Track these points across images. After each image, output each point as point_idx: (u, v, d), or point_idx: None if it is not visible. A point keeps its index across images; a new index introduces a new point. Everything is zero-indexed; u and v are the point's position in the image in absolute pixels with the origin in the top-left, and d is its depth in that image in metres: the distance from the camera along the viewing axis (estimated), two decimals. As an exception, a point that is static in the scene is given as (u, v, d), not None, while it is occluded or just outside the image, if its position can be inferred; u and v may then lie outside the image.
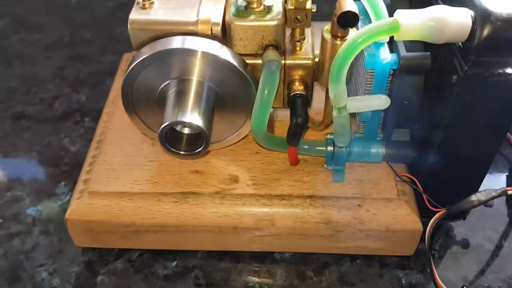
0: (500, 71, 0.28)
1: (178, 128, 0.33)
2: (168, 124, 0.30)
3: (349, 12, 0.29)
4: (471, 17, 0.28)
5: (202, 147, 0.32)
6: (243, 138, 0.37)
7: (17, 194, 0.41)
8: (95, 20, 0.60)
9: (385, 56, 0.31)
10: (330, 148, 0.35)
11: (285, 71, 0.34)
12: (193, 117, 0.31)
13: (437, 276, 0.32)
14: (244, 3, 0.32)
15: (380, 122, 0.35)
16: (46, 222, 0.39)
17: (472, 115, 0.29)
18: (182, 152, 0.32)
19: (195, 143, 0.33)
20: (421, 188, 0.33)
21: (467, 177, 0.32)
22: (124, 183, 0.35)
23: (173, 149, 0.32)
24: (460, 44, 0.29)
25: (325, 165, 0.35)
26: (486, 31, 0.27)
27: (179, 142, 0.33)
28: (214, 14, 0.32)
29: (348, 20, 0.29)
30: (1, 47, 0.56)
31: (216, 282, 0.35)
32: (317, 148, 0.35)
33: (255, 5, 0.32)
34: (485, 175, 0.33)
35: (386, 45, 0.32)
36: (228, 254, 0.37)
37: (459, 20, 0.28)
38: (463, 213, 0.37)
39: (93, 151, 0.38)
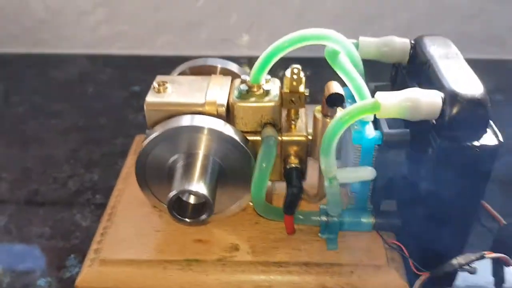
0: (469, 143, 0.32)
1: (184, 198, 0.36)
2: (176, 193, 0.34)
3: (335, 93, 0.33)
4: (441, 98, 0.32)
5: (206, 214, 0.35)
6: (243, 209, 0.40)
7: (29, 266, 0.43)
8: (109, 107, 0.65)
9: (370, 132, 0.35)
10: (324, 218, 0.38)
11: (282, 147, 0.38)
12: (199, 186, 0.34)
13: None
14: (246, 88, 0.37)
15: (369, 194, 0.38)
16: (55, 292, 0.41)
17: (448, 183, 0.33)
18: (188, 220, 0.35)
19: (199, 212, 0.36)
20: (407, 254, 0.36)
21: (450, 242, 0.35)
22: (132, 252, 0.38)
23: (179, 217, 0.35)
24: (434, 121, 0.33)
25: (319, 234, 0.38)
26: (454, 110, 0.32)
27: (185, 211, 0.36)
28: (220, 97, 0.36)
29: (335, 100, 0.33)
30: (19, 131, 0.61)
31: None
32: (312, 218, 0.38)
33: (255, 89, 0.36)
34: (467, 240, 0.35)
35: (371, 124, 0.36)
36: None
37: (431, 100, 0.32)
38: (448, 280, 0.39)
39: (104, 223, 0.41)
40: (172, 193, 0.34)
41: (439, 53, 0.36)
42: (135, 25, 0.76)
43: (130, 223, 0.40)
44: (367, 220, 0.38)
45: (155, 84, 0.37)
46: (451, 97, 0.32)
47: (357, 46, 0.39)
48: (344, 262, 0.37)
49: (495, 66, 0.74)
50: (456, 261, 0.34)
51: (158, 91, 0.37)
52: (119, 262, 0.37)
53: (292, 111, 0.37)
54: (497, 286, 0.41)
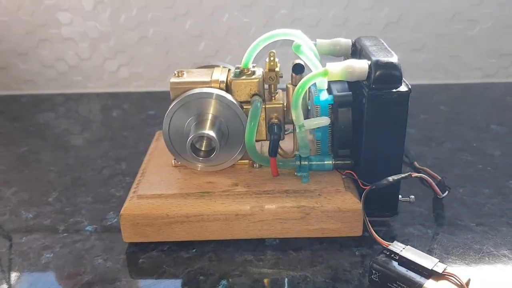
0: (388, 91, 0.47)
1: (197, 145, 0.51)
2: (194, 135, 0.49)
3: (297, 63, 0.50)
4: (368, 64, 0.49)
5: (214, 154, 0.50)
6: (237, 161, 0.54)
7: (77, 219, 0.57)
8: (130, 125, 0.81)
9: (324, 96, 0.51)
10: (297, 162, 0.52)
11: (266, 113, 0.53)
12: (209, 132, 0.49)
13: (372, 230, 0.47)
14: (239, 70, 0.53)
15: (329, 145, 0.53)
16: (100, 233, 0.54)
17: (378, 123, 0.48)
18: (200, 158, 0.50)
19: (208, 155, 0.50)
20: (355, 176, 0.50)
21: (387, 169, 0.49)
22: (161, 190, 0.52)
23: (194, 155, 0.50)
24: (365, 81, 0.49)
25: (295, 173, 0.53)
26: (376, 71, 0.48)
27: (198, 153, 0.51)
28: (221, 77, 0.52)
29: (297, 68, 0.50)
30: (63, 142, 0.77)
31: (224, 259, 0.50)
32: (290, 163, 0.53)
33: (245, 71, 0.53)
34: (400, 166, 0.50)
35: (325, 90, 0.52)
36: (232, 243, 0.51)
37: (361, 66, 0.48)
38: (394, 208, 0.53)
39: (138, 177, 0.55)
40: (191, 136, 0.49)
41: (369, 44, 0.53)
42: (149, 67, 0.94)
43: (157, 176, 0.55)
44: (329, 162, 0.53)
45: (175, 72, 0.54)
46: (374, 63, 0.48)
47: (315, 45, 0.56)
48: (314, 189, 0.51)
49: (442, 88, 0.91)
50: (391, 178, 0.49)
51: (178, 76, 0.53)
52: (151, 196, 0.51)
53: (272, 87, 0.53)
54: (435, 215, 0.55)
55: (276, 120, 0.53)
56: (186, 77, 0.53)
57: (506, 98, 0.86)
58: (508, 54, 0.90)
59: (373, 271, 0.44)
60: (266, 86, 0.54)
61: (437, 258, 0.44)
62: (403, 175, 0.49)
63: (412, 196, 0.53)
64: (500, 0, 0.87)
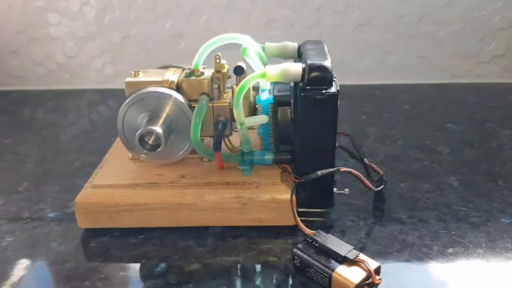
0: (319, 92, 0.51)
1: (146, 139, 0.55)
2: (142, 131, 0.53)
3: (237, 66, 0.54)
4: (302, 67, 0.52)
5: (159, 149, 0.54)
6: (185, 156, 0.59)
7: (42, 207, 0.62)
8: (114, 120, 0.86)
9: (265, 96, 0.55)
10: (240, 157, 0.57)
11: (214, 111, 0.57)
12: (157, 128, 0.54)
13: (298, 219, 0.51)
14: (190, 71, 0.57)
15: (272, 141, 0.57)
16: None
17: (311, 121, 0.52)
18: (145, 151, 0.54)
19: (155, 149, 0.55)
20: (289, 170, 0.54)
21: (322, 163, 0.53)
22: (114, 181, 0.57)
23: (143, 148, 0.54)
24: (301, 83, 0.53)
25: (238, 166, 0.57)
26: (308, 73, 0.52)
27: (145, 147, 0.55)
28: (172, 77, 0.57)
29: (237, 69, 0.54)
30: (45, 134, 0.82)
31: (167, 244, 0.54)
32: (233, 157, 0.57)
33: (195, 72, 0.57)
34: (332, 160, 0.54)
35: (267, 91, 0.56)
36: (178, 230, 0.56)
37: (296, 68, 0.52)
38: (330, 200, 0.56)
39: (97, 169, 0.60)
40: (139, 131, 0.53)
41: (310, 47, 0.57)
42: (132, 64, 0.99)
43: (114, 168, 0.60)
44: (269, 157, 0.57)
45: (132, 72, 0.58)
46: (308, 66, 0.52)
47: (263, 48, 0.60)
48: (253, 181, 0.55)
49: (410, 87, 0.95)
50: (320, 172, 0.53)
51: (134, 75, 0.58)
52: (104, 186, 0.56)
53: (221, 87, 0.58)
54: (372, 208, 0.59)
55: (223, 118, 0.57)
56: (141, 77, 0.58)
57: (468, 98, 0.89)
58: (473, 55, 0.92)
59: (295, 257, 0.49)
60: (217, 86, 0.58)
61: (361, 246, 0.47)
62: (331, 170, 0.53)
63: (347, 189, 0.57)
64: (466, 3, 0.89)
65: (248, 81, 0.53)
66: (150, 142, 0.56)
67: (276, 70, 0.53)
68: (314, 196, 0.56)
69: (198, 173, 0.58)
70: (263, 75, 0.53)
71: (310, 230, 0.50)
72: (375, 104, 0.89)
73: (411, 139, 0.75)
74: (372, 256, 0.48)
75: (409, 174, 0.66)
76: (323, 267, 0.46)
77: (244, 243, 0.54)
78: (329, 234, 0.49)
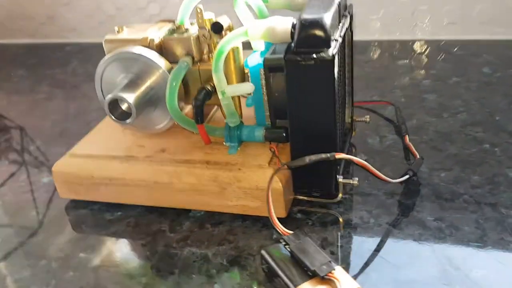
0: (308, 57, 0.39)
1: (121, 104, 0.48)
2: (111, 97, 0.46)
3: (215, 22, 0.44)
4: (292, 23, 0.41)
5: (131, 119, 0.47)
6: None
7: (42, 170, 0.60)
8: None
9: (255, 59, 0.45)
10: (226, 131, 0.47)
11: (200, 75, 0.48)
12: (128, 95, 0.46)
13: (272, 214, 0.41)
14: (173, 27, 0.49)
15: (268, 114, 0.47)
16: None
17: (301, 93, 0.41)
18: (115, 119, 0.48)
19: (125, 118, 0.48)
20: (277, 153, 0.44)
21: (321, 145, 0.42)
22: (92, 150, 0.51)
23: (112, 115, 0.47)
24: (293, 45, 0.41)
25: (224, 142, 0.48)
26: (298, 31, 0.40)
27: (117, 113, 0.48)
28: (154, 35, 0.49)
29: (215, 27, 0.44)
30: (77, 91, 0.80)
31: (140, 225, 0.48)
32: (217, 131, 0.48)
33: (180, 29, 0.48)
34: (333, 142, 0.42)
35: (258, 53, 0.45)
36: (158, 210, 0.49)
37: (284, 26, 0.41)
38: (331, 190, 0.45)
39: (84, 136, 0.55)
40: (109, 96, 0.47)
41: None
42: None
43: (100, 136, 0.54)
44: (259, 133, 0.47)
45: (115, 28, 0.51)
46: (298, 21, 0.40)
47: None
48: (235, 162, 0.46)
49: (498, 46, 0.76)
50: (308, 158, 0.42)
51: (118, 32, 0.51)
52: (81, 155, 0.51)
53: (211, 47, 0.48)
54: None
55: (209, 85, 0.48)
56: (123, 34, 0.50)
57: None
58: None
59: (262, 261, 0.39)
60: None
61: (354, 256, 0.37)
62: (323, 156, 0.42)
63: (356, 178, 0.45)
64: None
65: (228, 41, 0.43)
66: (124, 109, 0.49)
67: (260, 27, 0.42)
68: (315, 185, 0.46)
69: (181, 147, 0.50)
70: (245, 33, 0.42)
71: (285, 230, 0.41)
72: (445, 65, 0.72)
73: (477, 113, 0.59)
74: (362, 271, 0.38)
75: (458, 159, 0.51)
76: (286, 280, 0.37)
77: (221, 233, 0.46)
78: (307, 238, 0.39)
